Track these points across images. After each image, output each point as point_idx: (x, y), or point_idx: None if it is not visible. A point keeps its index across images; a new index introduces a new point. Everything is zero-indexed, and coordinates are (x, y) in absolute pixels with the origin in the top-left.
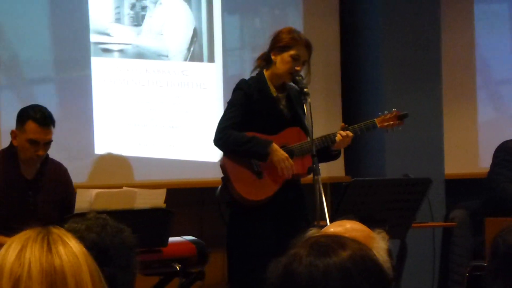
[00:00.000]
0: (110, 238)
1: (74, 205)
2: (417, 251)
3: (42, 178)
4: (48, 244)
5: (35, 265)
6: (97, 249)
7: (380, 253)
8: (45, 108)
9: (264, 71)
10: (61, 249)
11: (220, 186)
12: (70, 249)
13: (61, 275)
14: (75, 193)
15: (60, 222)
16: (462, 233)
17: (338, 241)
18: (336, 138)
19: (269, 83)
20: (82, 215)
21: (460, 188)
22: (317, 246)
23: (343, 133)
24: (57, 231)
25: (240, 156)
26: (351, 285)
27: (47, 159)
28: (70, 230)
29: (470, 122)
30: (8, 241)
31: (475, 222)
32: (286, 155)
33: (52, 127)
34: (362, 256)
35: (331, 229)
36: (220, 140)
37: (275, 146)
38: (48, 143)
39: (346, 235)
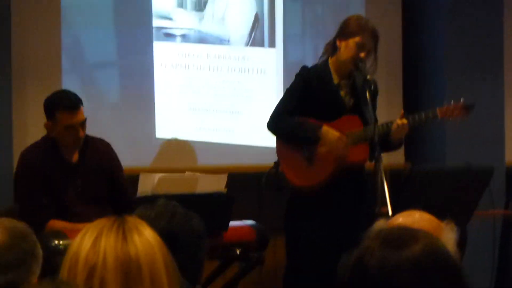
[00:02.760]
0: (179, 226)
1: (125, 183)
2: (477, 239)
3: (85, 159)
4: (124, 232)
5: (110, 254)
6: (166, 237)
7: (449, 244)
8: (68, 91)
9: (329, 58)
10: (136, 238)
11: (267, 171)
12: (145, 238)
13: (136, 264)
14: (121, 169)
15: (109, 200)
16: None
17: (410, 233)
18: (392, 126)
19: (332, 70)
20: (151, 201)
21: None
22: (389, 239)
23: (399, 121)
24: (132, 220)
25: (291, 141)
26: (423, 278)
27: (86, 140)
28: (139, 217)
29: None
30: (83, 229)
31: None
32: (339, 134)
33: (81, 107)
34: (434, 250)
35: (400, 219)
36: (272, 124)
37: (325, 128)
38: (83, 123)
39: (415, 225)
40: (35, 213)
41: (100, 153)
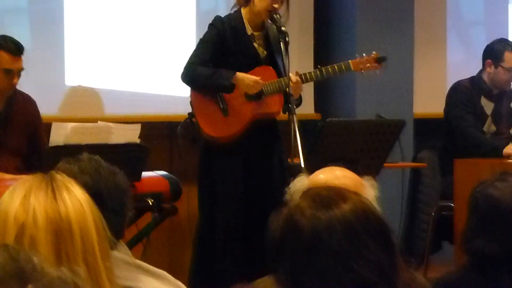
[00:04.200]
0: (104, 181)
1: (42, 138)
2: (386, 190)
3: (11, 110)
4: (53, 190)
5: (40, 212)
6: (91, 192)
7: (370, 200)
8: (13, 38)
9: (242, 9)
10: (66, 196)
11: (183, 121)
12: (75, 196)
13: (67, 222)
14: (42, 125)
15: (32, 155)
16: (430, 174)
17: (339, 193)
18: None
19: (245, 21)
20: (73, 154)
21: (429, 129)
22: (319, 198)
23: (293, 78)
24: (61, 177)
25: (206, 91)
26: (353, 237)
27: (14, 91)
28: (62, 171)
29: (440, 63)
30: (10, 187)
31: (443, 162)
32: (255, 78)
33: (22, 56)
34: (363, 209)
35: (321, 176)
36: (186, 75)
37: (240, 74)
38: (20, 72)
39: (336, 182)
40: None
41: (26, 107)
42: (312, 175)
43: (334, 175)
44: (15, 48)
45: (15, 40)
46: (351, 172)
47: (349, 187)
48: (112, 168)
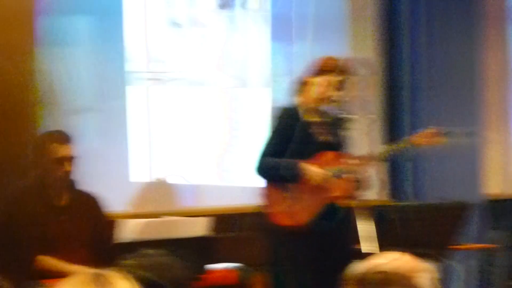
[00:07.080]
0: (164, 276)
1: (107, 232)
2: (458, 272)
3: (75, 204)
4: (101, 286)
5: None
6: (151, 286)
7: (427, 284)
8: (59, 129)
9: (298, 98)
10: None
11: (251, 213)
12: None
13: None
14: (108, 220)
15: (98, 249)
16: (502, 254)
17: (384, 278)
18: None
19: (303, 108)
20: (136, 249)
21: (501, 209)
22: (363, 284)
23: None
24: (108, 274)
25: (277, 182)
26: None
27: (79, 191)
28: (124, 267)
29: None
30: (60, 285)
31: None
32: (319, 169)
33: (72, 144)
34: None
35: (376, 261)
36: (258, 169)
37: (305, 164)
38: (71, 159)
39: (389, 266)
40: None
41: (88, 203)
42: (368, 260)
43: (387, 259)
44: (60, 137)
45: (61, 130)
46: (407, 256)
47: (402, 271)
48: (174, 263)
